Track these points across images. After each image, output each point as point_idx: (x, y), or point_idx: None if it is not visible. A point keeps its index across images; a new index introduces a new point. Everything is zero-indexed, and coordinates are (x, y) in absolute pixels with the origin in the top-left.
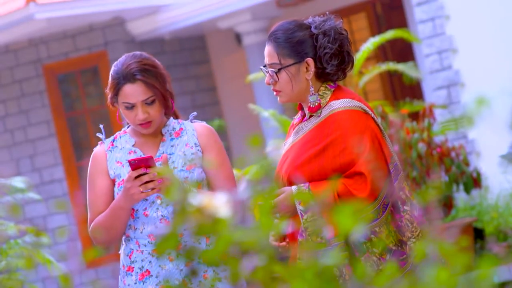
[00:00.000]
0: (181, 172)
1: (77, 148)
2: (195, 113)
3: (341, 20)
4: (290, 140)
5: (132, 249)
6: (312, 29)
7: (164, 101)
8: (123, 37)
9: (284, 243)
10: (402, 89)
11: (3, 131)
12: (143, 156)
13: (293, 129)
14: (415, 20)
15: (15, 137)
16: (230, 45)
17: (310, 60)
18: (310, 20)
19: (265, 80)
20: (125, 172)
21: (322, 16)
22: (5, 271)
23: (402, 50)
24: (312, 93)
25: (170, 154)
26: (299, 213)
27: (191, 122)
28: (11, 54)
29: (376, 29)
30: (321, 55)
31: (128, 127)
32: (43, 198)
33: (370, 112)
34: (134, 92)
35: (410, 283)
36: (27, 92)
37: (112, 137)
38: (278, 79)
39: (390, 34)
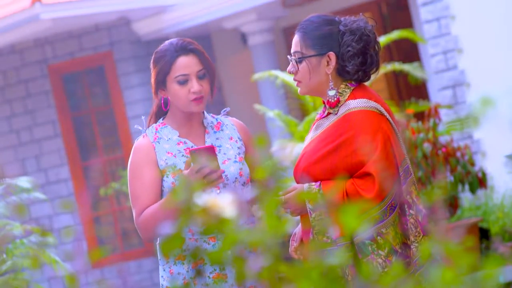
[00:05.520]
0: (235, 163)
1: (83, 148)
2: (228, 108)
3: (374, 24)
4: (310, 136)
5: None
6: (340, 26)
7: (212, 79)
8: (128, 37)
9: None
10: (408, 89)
11: (9, 131)
12: (203, 145)
13: (314, 125)
14: (421, 20)
15: (20, 137)
16: (236, 45)
17: (332, 55)
18: (342, 18)
19: (287, 68)
20: (181, 162)
21: (355, 16)
22: (11, 271)
23: (408, 50)
24: (332, 88)
25: (218, 146)
26: (308, 211)
27: (224, 117)
28: (17, 54)
29: (382, 29)
30: (344, 52)
31: (163, 119)
32: (48, 198)
33: (386, 114)
34: (188, 62)
35: (414, 284)
36: (33, 92)
37: (152, 129)
38: (298, 68)
39: (395, 34)
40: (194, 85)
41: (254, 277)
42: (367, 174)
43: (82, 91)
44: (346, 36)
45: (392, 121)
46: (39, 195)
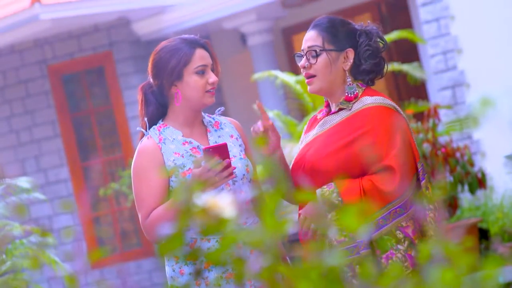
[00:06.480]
0: (241, 160)
1: (82, 149)
2: (222, 108)
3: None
4: (313, 132)
5: (195, 238)
6: (356, 26)
7: (217, 74)
8: (128, 38)
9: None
10: (407, 90)
11: (8, 132)
12: (216, 144)
13: (317, 123)
14: (420, 21)
15: (20, 138)
16: (235, 45)
17: (350, 51)
18: (352, 22)
19: (300, 63)
20: (189, 162)
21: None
22: (10, 271)
23: (407, 51)
24: (350, 84)
25: None
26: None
27: (219, 116)
28: (16, 54)
29: (381, 30)
30: (361, 51)
31: (162, 120)
32: (48, 199)
33: (402, 112)
34: (204, 54)
35: (415, 283)
36: (32, 92)
37: (154, 130)
38: (316, 61)
39: (395, 35)
40: (212, 76)
41: (254, 277)
42: (386, 168)
43: (81, 91)
44: (363, 37)
45: (407, 120)
46: (38, 195)
